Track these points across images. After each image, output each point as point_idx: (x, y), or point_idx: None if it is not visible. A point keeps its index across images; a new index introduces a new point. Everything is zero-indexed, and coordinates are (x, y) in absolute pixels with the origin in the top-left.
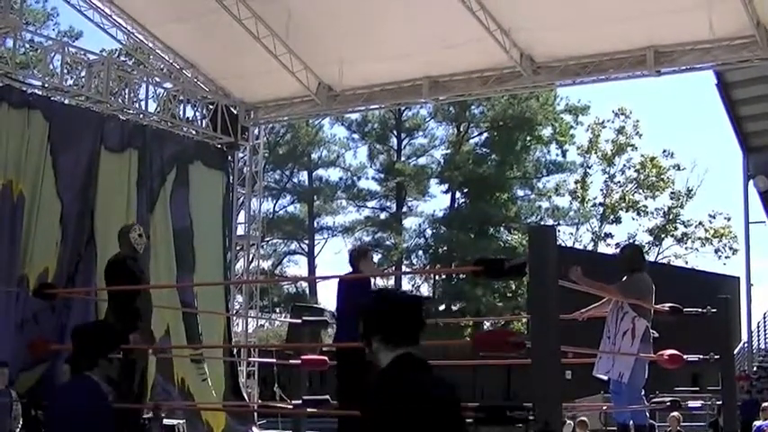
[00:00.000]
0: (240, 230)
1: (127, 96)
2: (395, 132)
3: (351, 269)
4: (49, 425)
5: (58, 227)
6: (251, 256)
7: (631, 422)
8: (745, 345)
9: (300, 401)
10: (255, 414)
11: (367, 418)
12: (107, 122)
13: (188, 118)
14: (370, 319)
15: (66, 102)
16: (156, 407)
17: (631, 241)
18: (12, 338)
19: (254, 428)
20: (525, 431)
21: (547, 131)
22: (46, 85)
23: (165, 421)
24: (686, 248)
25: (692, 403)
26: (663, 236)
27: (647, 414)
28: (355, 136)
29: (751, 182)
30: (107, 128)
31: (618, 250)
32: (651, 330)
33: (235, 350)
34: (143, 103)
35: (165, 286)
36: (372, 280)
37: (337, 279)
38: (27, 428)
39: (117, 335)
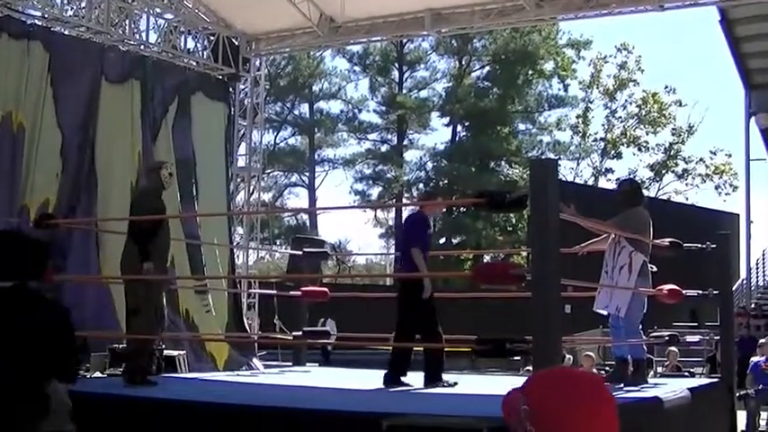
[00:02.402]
0: (241, 162)
1: (127, 27)
2: (396, 65)
3: (417, 209)
4: None
5: (59, 158)
6: (252, 188)
7: (629, 356)
8: (744, 281)
9: (300, 333)
10: (256, 345)
11: None
12: (107, 53)
13: (189, 49)
14: None
15: (67, 32)
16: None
17: (631, 177)
18: None
19: (254, 360)
20: (524, 363)
21: (549, 66)
22: (46, 16)
23: (166, 352)
24: (687, 185)
25: (690, 338)
26: (663, 172)
27: (645, 348)
28: (357, 68)
29: (753, 119)
30: (107, 59)
31: (616, 185)
32: (649, 265)
33: (237, 281)
34: (144, 35)
35: (167, 217)
36: (430, 219)
37: (403, 219)
38: None
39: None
